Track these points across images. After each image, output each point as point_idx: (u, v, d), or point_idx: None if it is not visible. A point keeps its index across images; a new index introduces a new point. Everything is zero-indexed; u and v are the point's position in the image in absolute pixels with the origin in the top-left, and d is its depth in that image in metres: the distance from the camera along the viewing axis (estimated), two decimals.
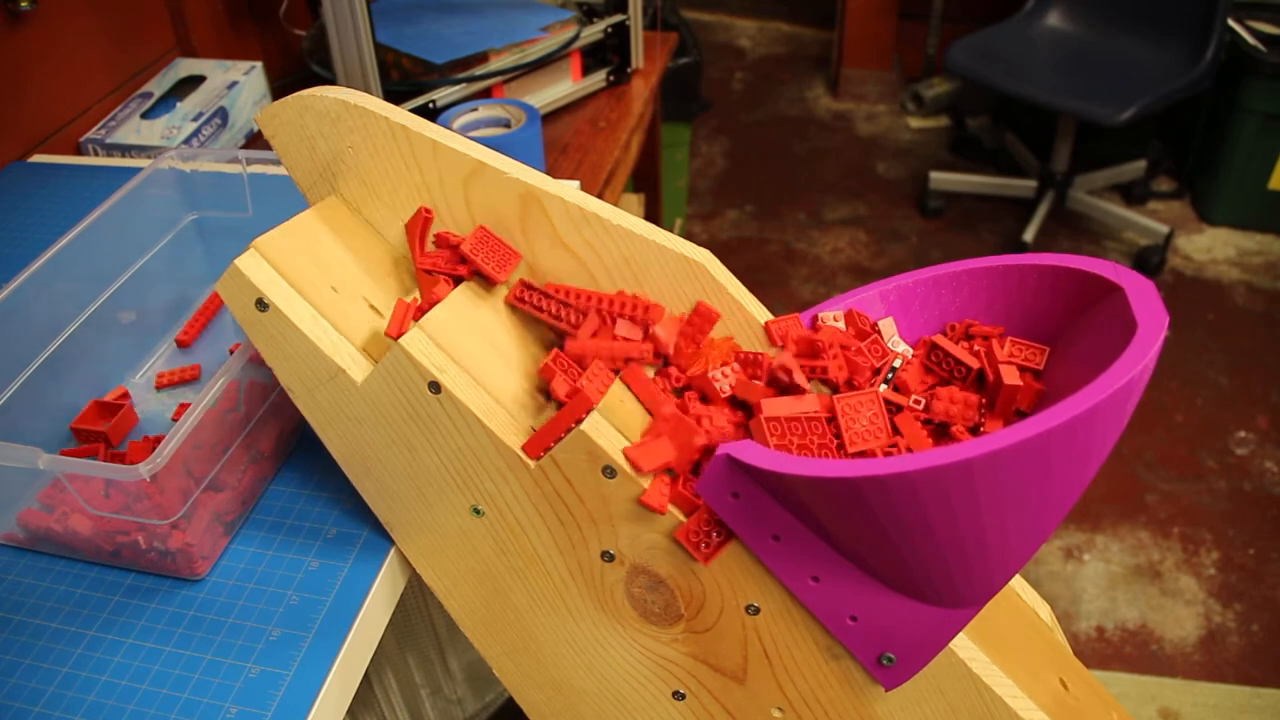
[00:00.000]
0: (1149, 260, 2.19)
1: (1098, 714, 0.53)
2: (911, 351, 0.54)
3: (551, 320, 0.52)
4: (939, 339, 0.52)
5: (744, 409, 0.49)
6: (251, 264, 0.50)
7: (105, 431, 0.61)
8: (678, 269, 0.52)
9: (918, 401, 0.50)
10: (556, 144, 1.14)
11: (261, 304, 0.49)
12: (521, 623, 0.55)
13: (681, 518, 0.47)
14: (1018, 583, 0.59)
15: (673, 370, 0.51)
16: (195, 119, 1.06)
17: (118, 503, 0.51)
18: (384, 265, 0.55)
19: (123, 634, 0.52)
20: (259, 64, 1.15)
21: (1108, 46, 2.20)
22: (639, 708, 0.55)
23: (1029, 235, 2.22)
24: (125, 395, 0.66)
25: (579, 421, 0.47)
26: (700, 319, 0.52)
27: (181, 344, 0.71)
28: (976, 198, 2.45)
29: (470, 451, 0.49)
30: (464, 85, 1.09)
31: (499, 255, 0.53)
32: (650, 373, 0.51)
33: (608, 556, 0.50)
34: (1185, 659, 1.45)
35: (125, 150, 1.02)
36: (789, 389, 0.49)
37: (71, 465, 0.49)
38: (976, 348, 0.51)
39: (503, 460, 0.49)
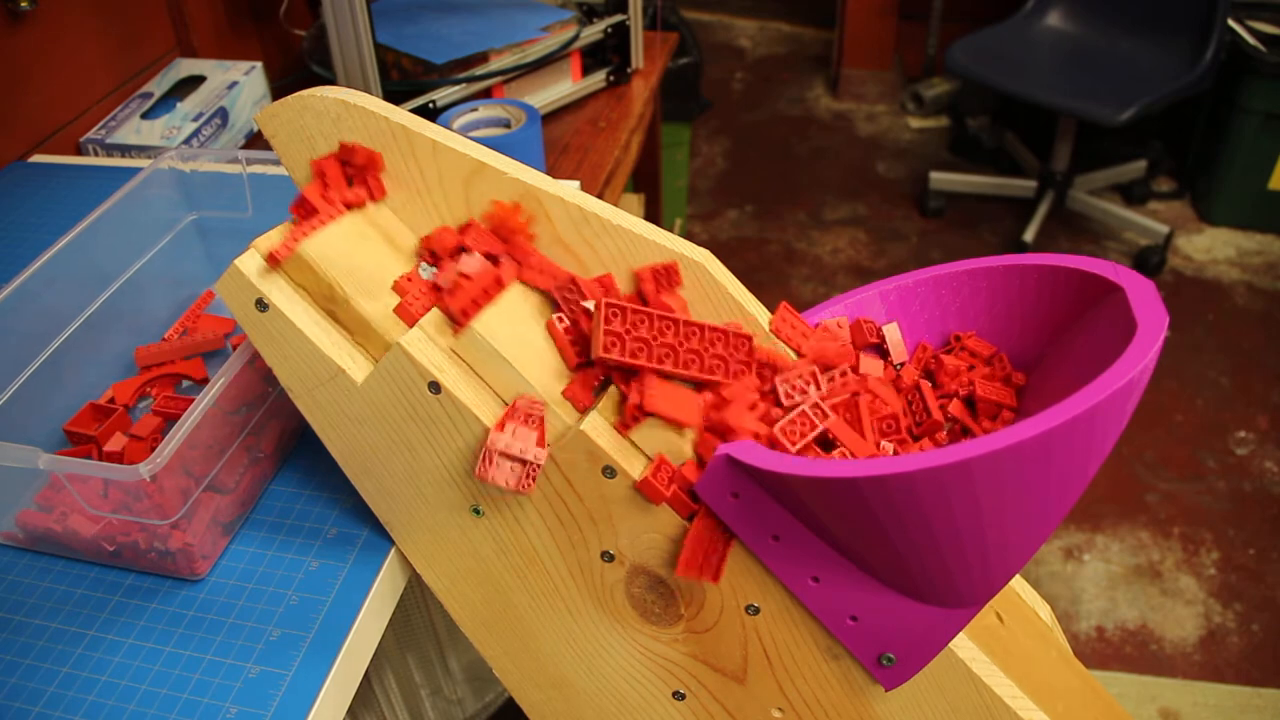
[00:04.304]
0: (1149, 260, 2.19)
1: (1033, 645, 0.53)
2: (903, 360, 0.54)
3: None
4: (924, 384, 0.51)
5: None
6: (251, 264, 0.50)
7: (96, 435, 0.61)
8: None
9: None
10: (556, 144, 1.14)
11: (261, 304, 0.49)
12: (521, 623, 0.55)
13: (682, 521, 0.47)
14: (1018, 583, 0.59)
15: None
16: (195, 119, 1.06)
17: (116, 502, 0.51)
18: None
19: (123, 634, 0.52)
20: (259, 64, 1.15)
21: (1108, 46, 2.20)
22: (639, 707, 0.55)
23: (1029, 235, 2.22)
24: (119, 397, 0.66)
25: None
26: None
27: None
28: (976, 198, 2.44)
29: (470, 451, 0.49)
30: (464, 85, 1.09)
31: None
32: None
33: (608, 556, 0.50)
34: (1185, 659, 1.45)
35: (125, 150, 1.02)
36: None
37: (71, 465, 0.49)
38: (957, 391, 0.51)
39: None
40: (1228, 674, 1.43)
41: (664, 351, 0.47)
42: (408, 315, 0.50)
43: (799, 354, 0.53)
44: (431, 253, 0.52)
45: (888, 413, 0.49)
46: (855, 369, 0.51)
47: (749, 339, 0.48)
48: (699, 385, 0.48)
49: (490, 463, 0.47)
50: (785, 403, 0.48)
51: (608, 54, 1.26)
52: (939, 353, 0.55)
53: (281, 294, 0.50)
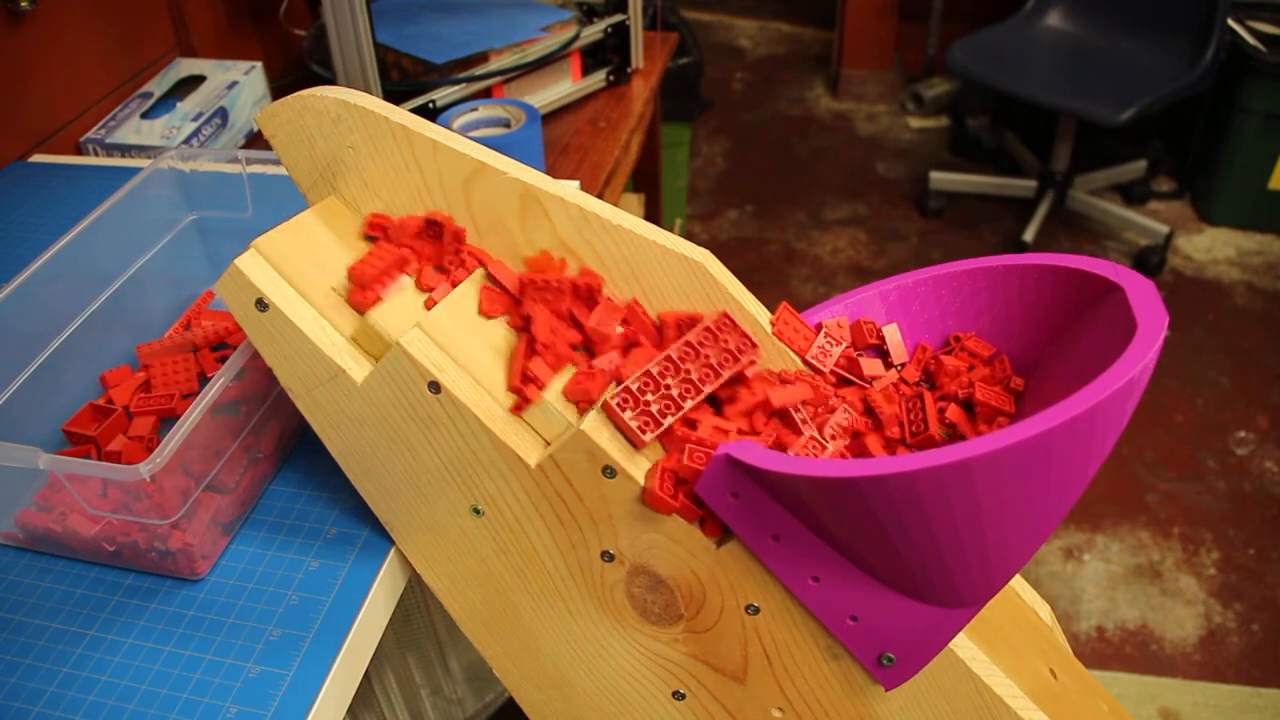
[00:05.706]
0: (1149, 260, 2.19)
1: (1087, 702, 0.53)
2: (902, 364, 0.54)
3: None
4: (926, 393, 0.51)
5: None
6: (251, 264, 0.50)
7: (95, 435, 0.61)
8: (678, 269, 0.52)
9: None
10: (556, 144, 1.14)
11: (261, 304, 0.49)
12: (521, 623, 0.55)
13: (686, 524, 0.47)
14: (1018, 583, 0.59)
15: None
16: (195, 119, 1.06)
17: (116, 502, 0.51)
18: None
19: (123, 634, 0.52)
20: (259, 64, 1.15)
21: (1108, 46, 2.20)
22: (639, 707, 0.55)
23: (1029, 235, 2.22)
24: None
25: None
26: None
27: None
28: (976, 198, 2.44)
29: (470, 451, 0.49)
30: (464, 85, 1.09)
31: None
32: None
33: (608, 556, 0.50)
34: (1185, 659, 1.45)
35: (125, 150, 1.02)
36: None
37: (71, 465, 0.49)
38: (956, 392, 0.51)
39: (503, 460, 0.49)
40: (1228, 674, 1.43)
41: (684, 389, 0.47)
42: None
43: (801, 357, 0.53)
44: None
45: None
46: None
47: (724, 314, 0.49)
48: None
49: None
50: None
51: (608, 54, 1.26)
52: (939, 353, 0.55)
53: (281, 294, 0.50)
